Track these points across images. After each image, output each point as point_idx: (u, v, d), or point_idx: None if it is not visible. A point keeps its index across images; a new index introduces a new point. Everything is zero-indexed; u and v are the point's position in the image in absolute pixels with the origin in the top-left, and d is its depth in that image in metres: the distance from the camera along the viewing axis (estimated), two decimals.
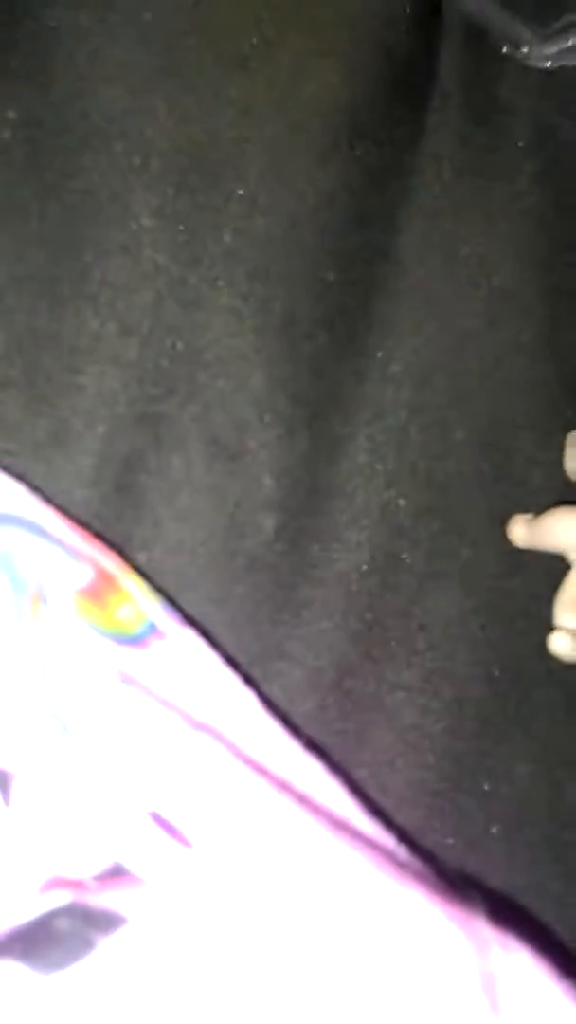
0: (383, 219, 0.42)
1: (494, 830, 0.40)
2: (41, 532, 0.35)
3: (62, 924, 0.29)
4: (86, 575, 0.35)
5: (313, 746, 0.34)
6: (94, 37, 0.40)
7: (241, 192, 0.40)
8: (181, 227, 0.39)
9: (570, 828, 0.40)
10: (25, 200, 0.37)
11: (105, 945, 0.28)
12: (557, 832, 0.40)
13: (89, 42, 0.39)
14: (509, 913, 0.29)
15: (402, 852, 0.33)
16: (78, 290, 0.37)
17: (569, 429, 0.44)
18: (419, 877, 0.30)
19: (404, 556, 0.40)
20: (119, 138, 0.39)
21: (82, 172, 0.38)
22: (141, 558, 0.37)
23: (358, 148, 0.43)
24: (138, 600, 0.36)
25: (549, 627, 0.42)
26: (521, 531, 0.42)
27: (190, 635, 0.35)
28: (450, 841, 0.39)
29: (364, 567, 0.40)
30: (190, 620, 0.36)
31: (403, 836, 0.33)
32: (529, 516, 0.42)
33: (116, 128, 0.39)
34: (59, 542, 0.35)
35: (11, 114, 0.38)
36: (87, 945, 0.28)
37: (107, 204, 0.38)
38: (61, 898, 0.29)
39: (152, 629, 0.35)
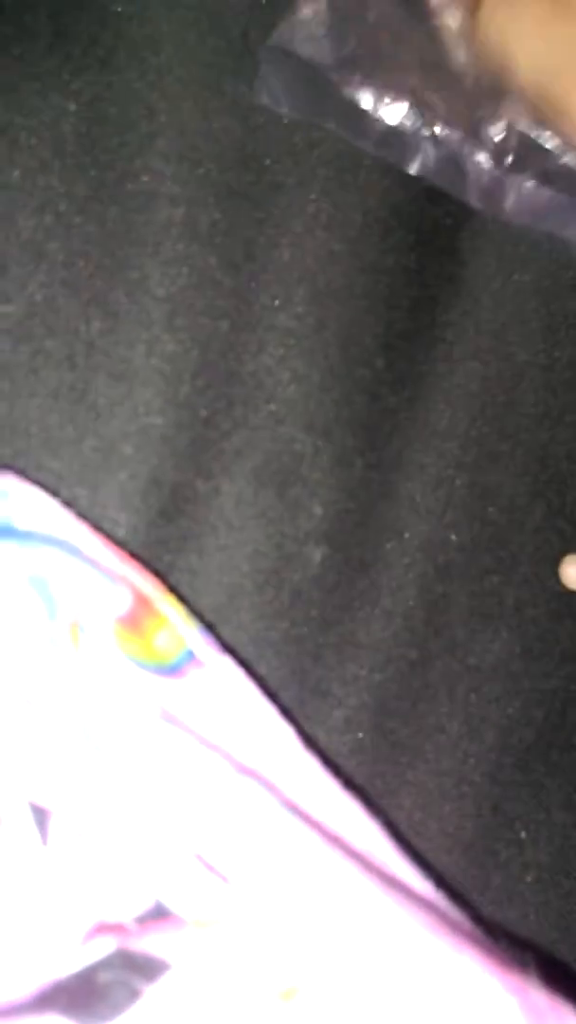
0: (446, 239, 0.43)
1: (529, 879, 0.41)
2: (76, 552, 0.36)
3: (107, 975, 0.30)
4: (125, 601, 0.36)
5: (352, 785, 0.35)
6: (161, 25, 0.40)
7: (303, 206, 0.41)
8: (241, 240, 0.39)
9: None
10: (83, 200, 0.38)
11: (151, 993, 0.29)
12: None
13: (156, 30, 0.40)
14: (556, 971, 0.30)
15: (442, 900, 0.35)
16: (134, 300, 0.38)
17: None
18: (471, 938, 0.32)
19: (452, 594, 0.41)
20: (183, 138, 0.39)
21: (145, 172, 0.38)
22: (184, 588, 0.38)
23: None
24: (176, 625, 0.37)
25: None
26: (574, 572, 0.43)
27: (228, 663, 0.36)
28: (484, 889, 0.41)
29: (411, 604, 0.41)
30: (228, 648, 0.37)
31: (441, 882, 0.34)
32: None
33: (180, 128, 0.39)
34: (95, 563, 0.36)
35: (72, 106, 0.38)
36: (133, 995, 0.29)
37: (168, 209, 0.39)
38: (106, 946, 0.30)
39: (190, 657, 0.36)
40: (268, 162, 0.40)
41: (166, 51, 0.40)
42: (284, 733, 0.36)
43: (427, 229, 0.43)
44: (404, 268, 0.42)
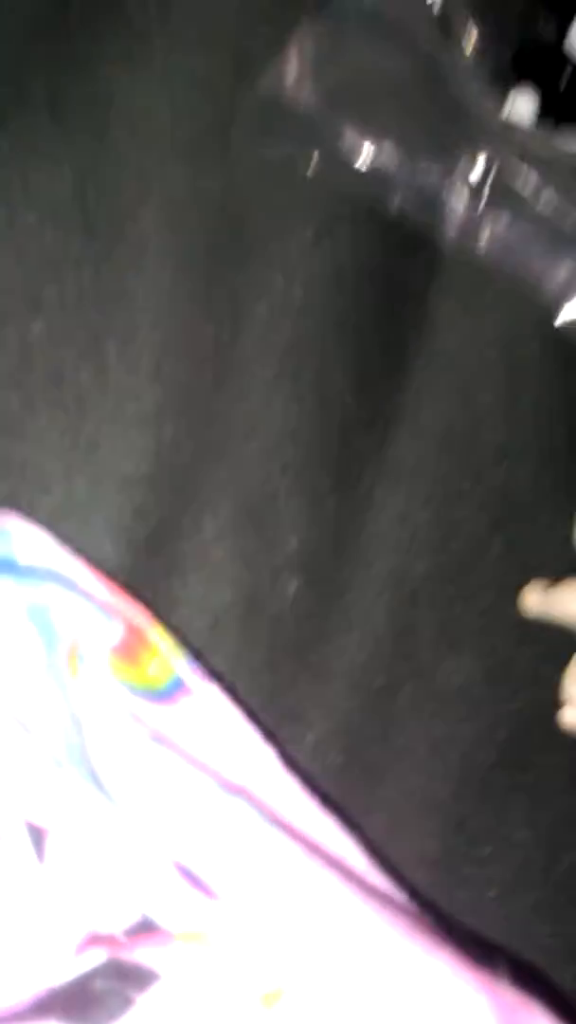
0: (415, 290, 0.46)
1: (492, 894, 0.43)
2: (73, 586, 0.38)
3: (101, 983, 0.32)
4: (118, 631, 0.38)
5: (329, 803, 0.38)
6: (150, 92, 0.42)
7: (283, 262, 0.43)
8: (224, 296, 0.42)
9: (564, 892, 0.44)
10: (78, 259, 0.40)
11: (143, 1002, 0.31)
12: (552, 896, 0.44)
13: (145, 97, 0.42)
14: (526, 974, 0.32)
15: (415, 910, 0.37)
16: (124, 351, 0.41)
17: None
18: (444, 942, 0.34)
19: (419, 622, 0.44)
20: (172, 201, 0.42)
21: (135, 232, 0.41)
22: (168, 617, 0.40)
23: (396, 216, 0.46)
24: (165, 654, 0.39)
25: (556, 695, 0.45)
26: (533, 600, 0.45)
27: (214, 690, 0.38)
28: (448, 904, 0.43)
29: (379, 632, 0.43)
30: (214, 675, 0.39)
31: (413, 895, 0.37)
32: (542, 585, 0.46)
33: (169, 190, 0.42)
34: (90, 596, 0.38)
35: (67, 169, 0.41)
36: (126, 1003, 0.31)
37: (157, 266, 0.41)
38: (98, 956, 0.32)
39: (179, 684, 0.38)
40: (249, 222, 0.43)
41: (159, 118, 0.43)
42: (266, 755, 0.38)
43: (398, 281, 0.46)
44: (375, 321, 0.45)
